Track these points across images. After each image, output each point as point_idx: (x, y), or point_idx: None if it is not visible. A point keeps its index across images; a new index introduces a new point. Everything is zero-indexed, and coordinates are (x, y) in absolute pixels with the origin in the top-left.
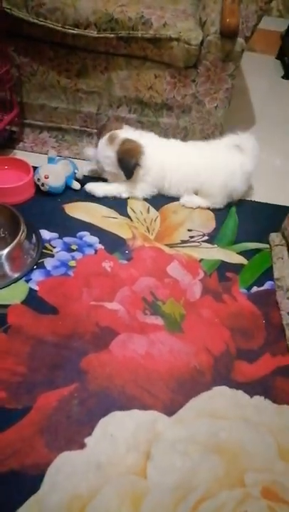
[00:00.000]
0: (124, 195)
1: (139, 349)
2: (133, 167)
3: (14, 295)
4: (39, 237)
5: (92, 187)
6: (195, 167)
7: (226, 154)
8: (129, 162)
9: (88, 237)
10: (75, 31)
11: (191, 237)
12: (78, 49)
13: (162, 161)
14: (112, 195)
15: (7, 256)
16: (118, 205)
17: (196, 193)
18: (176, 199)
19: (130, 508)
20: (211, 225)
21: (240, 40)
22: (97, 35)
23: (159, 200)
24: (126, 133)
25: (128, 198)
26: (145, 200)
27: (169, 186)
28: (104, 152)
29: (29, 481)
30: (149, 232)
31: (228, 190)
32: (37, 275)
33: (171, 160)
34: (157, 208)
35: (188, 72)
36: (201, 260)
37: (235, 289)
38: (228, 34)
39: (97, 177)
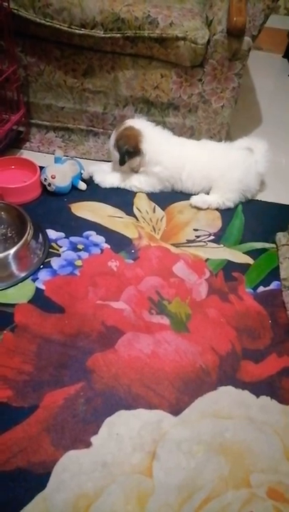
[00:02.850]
0: (133, 189)
1: (145, 348)
2: (124, 152)
3: (21, 294)
4: (46, 236)
5: (100, 179)
6: (211, 161)
7: (240, 153)
8: (122, 147)
9: (94, 237)
10: (82, 31)
11: (197, 236)
12: (85, 49)
13: (178, 154)
14: (119, 186)
15: (14, 255)
16: (124, 204)
17: (208, 192)
18: (182, 198)
19: (136, 507)
20: (217, 224)
21: (247, 38)
22: (103, 35)
23: (165, 199)
24: (135, 122)
25: (136, 192)
26: (151, 199)
27: (185, 179)
28: (111, 140)
29: (35, 479)
30: (155, 231)
31: (243, 186)
32: (43, 274)
33: (188, 154)
34: (163, 207)
35: (194, 72)
36: (207, 260)
37: (242, 289)
38: (235, 33)
39: None
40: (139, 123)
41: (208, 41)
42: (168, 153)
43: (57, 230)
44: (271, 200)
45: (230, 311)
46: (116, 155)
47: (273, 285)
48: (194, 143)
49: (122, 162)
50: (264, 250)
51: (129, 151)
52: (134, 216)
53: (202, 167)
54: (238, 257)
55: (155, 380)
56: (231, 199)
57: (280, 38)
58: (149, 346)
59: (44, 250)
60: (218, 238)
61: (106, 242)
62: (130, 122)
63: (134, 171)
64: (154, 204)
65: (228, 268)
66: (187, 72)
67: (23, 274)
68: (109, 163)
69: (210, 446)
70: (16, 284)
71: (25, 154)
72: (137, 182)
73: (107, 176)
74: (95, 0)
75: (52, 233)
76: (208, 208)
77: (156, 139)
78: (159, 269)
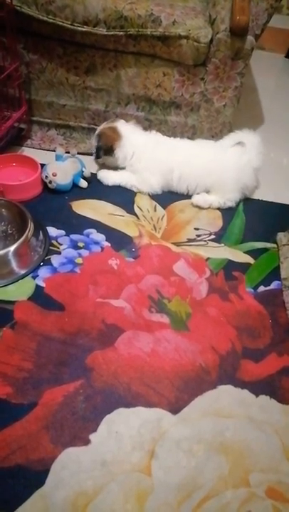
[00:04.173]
0: (133, 189)
1: (144, 347)
2: (98, 149)
3: (21, 291)
4: (46, 234)
5: (102, 175)
6: (204, 165)
7: (232, 150)
8: (98, 142)
9: (95, 235)
10: (84, 29)
11: (198, 235)
12: (87, 46)
13: (167, 157)
14: (121, 184)
15: (14, 252)
16: (125, 202)
17: (208, 192)
18: (183, 197)
19: (135, 506)
20: (218, 223)
21: (250, 38)
22: (106, 33)
23: (166, 198)
24: (123, 125)
25: (136, 192)
26: (152, 198)
27: (176, 184)
28: (97, 130)
29: (34, 476)
30: (155, 230)
31: (241, 185)
32: (44, 272)
33: (178, 157)
34: (164, 206)
35: (197, 70)
36: (207, 259)
37: (242, 288)
38: (238, 32)
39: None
40: (125, 127)
41: (211, 40)
42: (144, 162)
43: (57, 228)
44: (272, 199)
45: (231, 310)
46: (94, 145)
47: (274, 285)
48: (185, 147)
49: (97, 156)
50: (265, 250)
51: (103, 149)
52: (135, 214)
53: (194, 171)
54: (239, 256)
55: (155, 378)
56: (232, 198)
57: (282, 37)
58: (148, 345)
59: (44, 248)
60: (219, 237)
61: (106, 240)
62: (118, 123)
63: (111, 166)
64: (155, 203)
65: (229, 267)
66: (189, 70)
67: (23, 272)
68: None
69: (209, 445)
70: (16, 281)
71: (27, 151)
72: (136, 182)
73: (110, 173)
74: None
75: (52, 231)
76: (209, 207)
77: (131, 147)
78: (159, 267)
